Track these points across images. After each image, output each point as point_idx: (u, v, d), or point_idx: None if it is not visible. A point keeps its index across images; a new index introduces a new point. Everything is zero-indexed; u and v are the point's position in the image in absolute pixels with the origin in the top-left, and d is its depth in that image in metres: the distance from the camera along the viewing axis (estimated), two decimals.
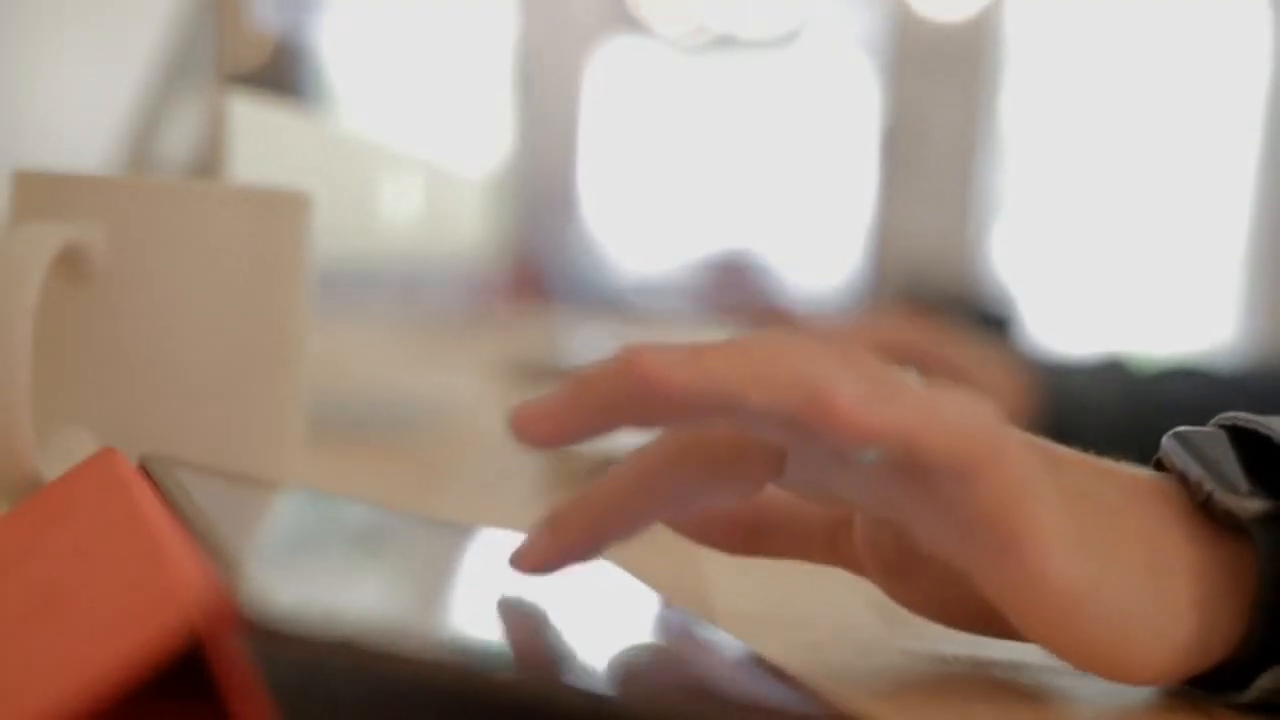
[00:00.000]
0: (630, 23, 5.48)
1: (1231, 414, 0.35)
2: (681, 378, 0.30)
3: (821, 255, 5.37)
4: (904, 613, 0.42)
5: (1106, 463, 0.35)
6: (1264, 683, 0.33)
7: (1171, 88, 4.90)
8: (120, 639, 0.21)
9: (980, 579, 0.32)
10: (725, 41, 5.45)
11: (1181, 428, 0.36)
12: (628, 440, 0.62)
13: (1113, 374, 0.87)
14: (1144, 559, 0.33)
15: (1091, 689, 0.36)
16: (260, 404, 0.43)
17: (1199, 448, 0.34)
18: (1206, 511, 0.34)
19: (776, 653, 0.37)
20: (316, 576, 0.26)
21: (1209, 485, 0.33)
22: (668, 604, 0.35)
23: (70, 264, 0.40)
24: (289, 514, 0.34)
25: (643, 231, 5.59)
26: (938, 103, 4.97)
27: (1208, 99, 4.87)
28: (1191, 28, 4.87)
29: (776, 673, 0.30)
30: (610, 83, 5.54)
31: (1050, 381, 0.86)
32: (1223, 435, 0.35)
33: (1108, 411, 0.85)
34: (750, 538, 0.38)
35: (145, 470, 0.35)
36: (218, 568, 0.24)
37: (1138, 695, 0.36)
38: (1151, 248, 4.95)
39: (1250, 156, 4.79)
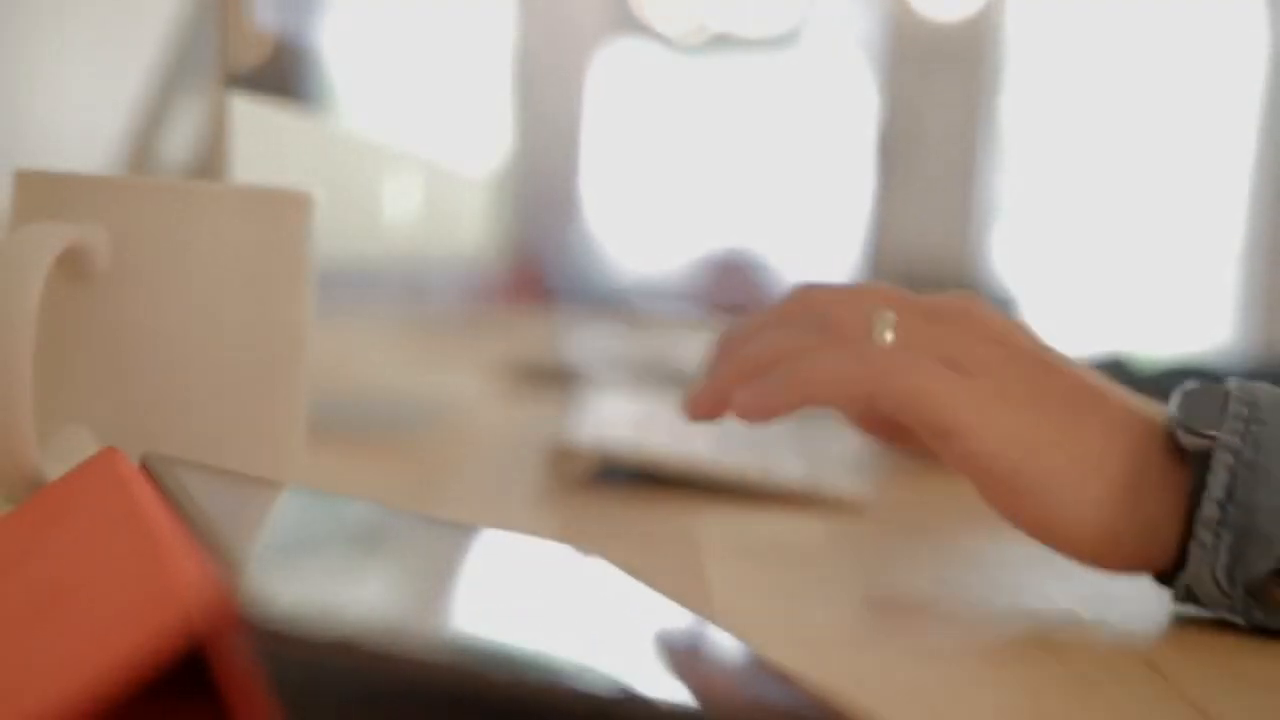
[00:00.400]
0: (631, 23, 5.49)
1: (1238, 380, 0.42)
2: (697, 409, 0.46)
3: (820, 254, 5.37)
4: (903, 612, 0.43)
5: (1110, 387, 0.43)
6: (1182, 581, 0.42)
7: (1169, 89, 4.90)
8: (120, 639, 0.21)
9: (949, 461, 0.43)
10: (725, 42, 5.46)
11: (1195, 383, 0.43)
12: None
13: (1113, 374, 0.87)
14: (1073, 454, 0.42)
15: (1090, 687, 0.36)
16: (262, 403, 0.43)
17: (1192, 395, 0.42)
18: (1177, 445, 0.42)
19: (776, 652, 0.37)
20: (318, 576, 0.26)
21: (1175, 424, 0.41)
22: (667, 604, 0.36)
23: (72, 264, 0.40)
24: (290, 513, 0.34)
25: (643, 231, 5.59)
26: (937, 103, 4.97)
27: (1205, 100, 4.87)
28: (1189, 29, 4.87)
29: (776, 673, 0.30)
30: (611, 83, 5.55)
31: None
32: (1222, 389, 0.42)
33: None
34: (896, 431, 0.50)
35: (147, 469, 0.35)
36: (219, 567, 0.24)
37: (1136, 694, 0.36)
38: (1151, 247, 4.96)
39: (1247, 156, 4.80)
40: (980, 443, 0.41)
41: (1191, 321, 4.85)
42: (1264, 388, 0.42)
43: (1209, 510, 0.40)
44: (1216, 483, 0.40)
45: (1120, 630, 0.42)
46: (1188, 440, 0.41)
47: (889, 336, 0.44)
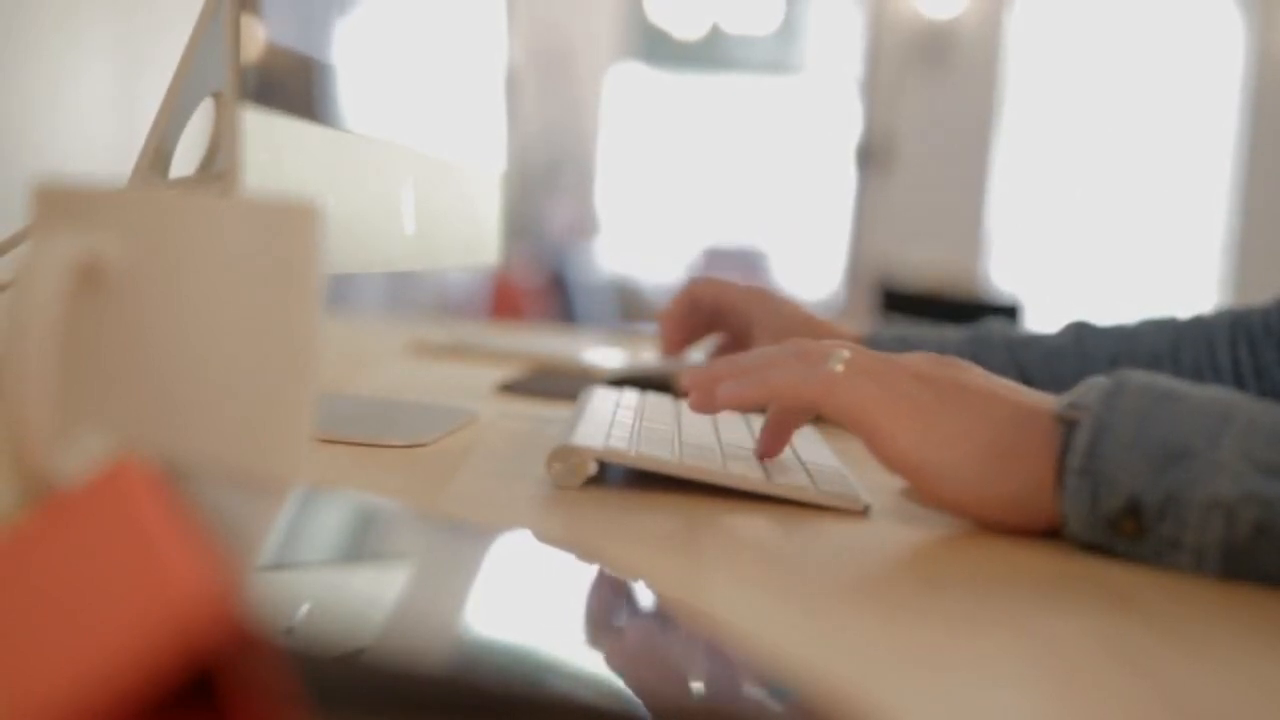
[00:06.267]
0: (642, 32, 5.49)
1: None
2: (692, 393, 0.62)
3: (819, 253, 5.37)
4: (903, 612, 0.43)
5: (1007, 391, 0.57)
6: (1068, 531, 0.54)
7: (1165, 92, 4.91)
8: (117, 649, 0.22)
9: (875, 457, 0.57)
10: (725, 45, 5.46)
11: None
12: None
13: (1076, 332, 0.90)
14: (975, 445, 0.55)
15: (1089, 688, 0.37)
16: (272, 408, 0.44)
17: (1086, 384, 0.55)
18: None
19: (775, 651, 0.38)
20: (323, 584, 0.27)
21: (1060, 405, 0.55)
22: (667, 605, 0.36)
23: (88, 274, 0.41)
24: (298, 517, 0.35)
25: (648, 234, 5.59)
26: (934, 103, 4.96)
27: (1202, 102, 4.87)
28: (1178, 33, 4.87)
29: (773, 672, 0.30)
30: (619, 87, 5.55)
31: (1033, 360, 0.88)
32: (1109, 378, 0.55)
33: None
34: None
35: (164, 475, 0.36)
36: (227, 576, 0.24)
37: (1133, 695, 0.36)
38: (1141, 246, 4.97)
39: (1233, 155, 4.82)
40: (895, 442, 0.56)
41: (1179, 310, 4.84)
42: (1142, 373, 0.54)
43: (1073, 461, 0.53)
44: (1080, 440, 0.53)
45: (1119, 631, 0.43)
46: (1066, 413, 0.54)
47: (840, 368, 0.58)
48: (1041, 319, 4.71)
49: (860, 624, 0.42)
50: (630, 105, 5.60)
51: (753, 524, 0.56)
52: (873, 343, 0.89)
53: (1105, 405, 0.53)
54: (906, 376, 0.57)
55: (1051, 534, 0.56)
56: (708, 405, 0.61)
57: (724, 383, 0.60)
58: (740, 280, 0.97)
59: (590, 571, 0.38)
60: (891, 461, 0.56)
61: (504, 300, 4.61)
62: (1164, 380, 0.54)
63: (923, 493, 0.56)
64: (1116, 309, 4.89)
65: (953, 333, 0.90)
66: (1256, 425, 0.51)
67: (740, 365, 0.61)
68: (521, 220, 5.00)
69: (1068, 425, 0.54)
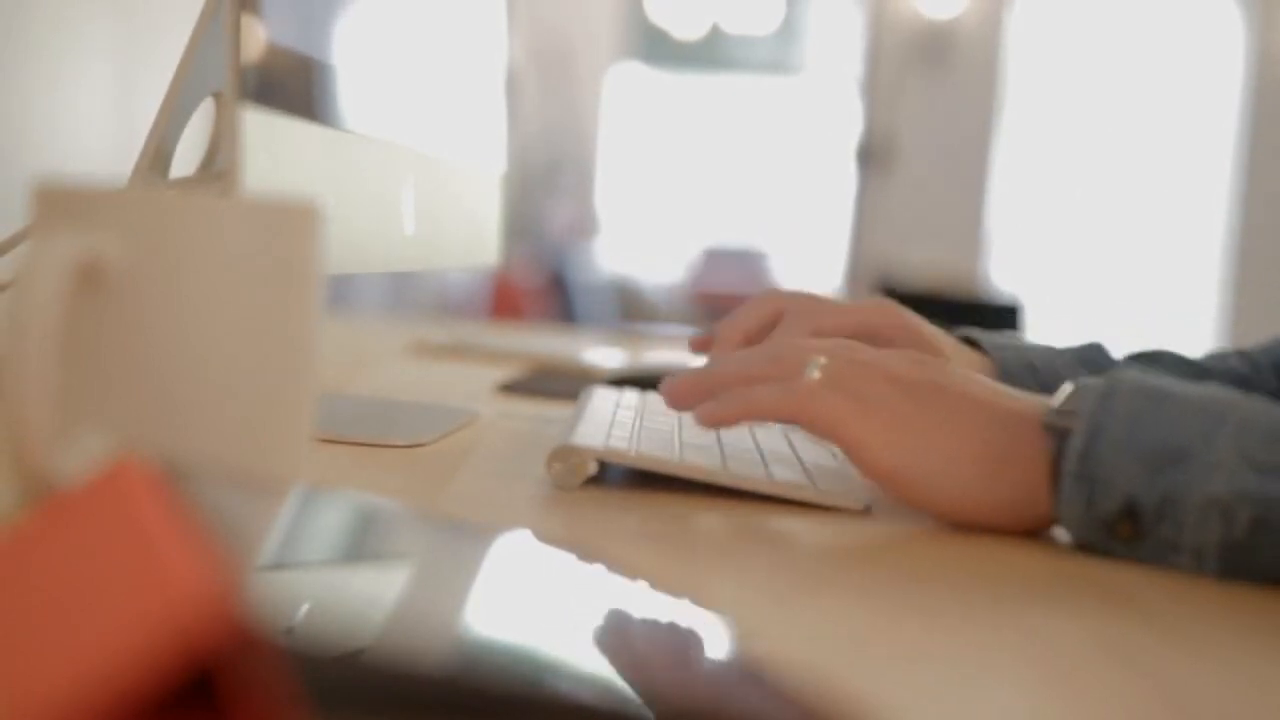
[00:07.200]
0: (642, 32, 5.49)
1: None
2: (671, 394, 0.61)
3: (819, 254, 5.37)
4: (903, 612, 0.43)
5: (992, 394, 0.56)
6: (1062, 525, 0.54)
7: (1165, 92, 4.90)
8: (116, 650, 0.22)
9: (856, 467, 0.57)
10: (725, 45, 5.45)
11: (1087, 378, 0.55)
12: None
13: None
14: (961, 453, 0.55)
15: (1088, 688, 0.37)
16: (271, 408, 0.44)
17: (1076, 387, 0.54)
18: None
19: (774, 651, 0.38)
20: (323, 584, 0.27)
21: (1048, 409, 0.54)
22: (667, 605, 0.36)
23: (88, 274, 0.41)
24: (298, 517, 0.35)
25: (648, 234, 5.59)
26: (934, 103, 4.96)
27: (1202, 102, 4.87)
28: (1179, 34, 4.87)
29: (773, 673, 0.30)
30: (619, 87, 5.55)
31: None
32: (1100, 380, 0.54)
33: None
34: None
35: (164, 475, 0.36)
36: (227, 576, 0.25)
37: (1131, 694, 0.37)
38: (1142, 251, 4.96)
39: (1233, 159, 4.81)
40: (872, 452, 0.56)
41: (1180, 327, 4.84)
42: (1134, 373, 0.54)
43: (1068, 465, 0.52)
44: (1075, 444, 0.52)
45: (1119, 630, 0.43)
46: (1057, 420, 0.54)
47: (816, 375, 0.57)
48: (1041, 319, 4.72)
49: (860, 623, 0.42)
50: (630, 105, 5.60)
51: (753, 524, 0.56)
52: (1003, 371, 0.78)
53: (1099, 408, 0.53)
54: (883, 381, 0.57)
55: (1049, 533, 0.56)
56: (678, 403, 0.61)
57: (703, 403, 0.59)
58: (740, 280, 0.96)
59: (590, 571, 0.38)
60: (869, 471, 0.56)
61: (504, 300, 4.61)
62: (1155, 379, 0.54)
63: (905, 500, 0.57)
64: (1115, 309, 4.89)
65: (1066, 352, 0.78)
66: (1251, 424, 0.51)
67: (719, 377, 0.60)
68: (521, 220, 4.99)
69: (1059, 431, 0.53)
